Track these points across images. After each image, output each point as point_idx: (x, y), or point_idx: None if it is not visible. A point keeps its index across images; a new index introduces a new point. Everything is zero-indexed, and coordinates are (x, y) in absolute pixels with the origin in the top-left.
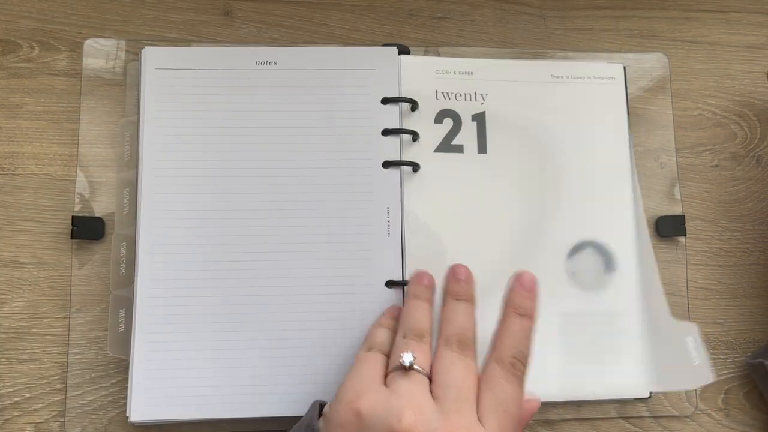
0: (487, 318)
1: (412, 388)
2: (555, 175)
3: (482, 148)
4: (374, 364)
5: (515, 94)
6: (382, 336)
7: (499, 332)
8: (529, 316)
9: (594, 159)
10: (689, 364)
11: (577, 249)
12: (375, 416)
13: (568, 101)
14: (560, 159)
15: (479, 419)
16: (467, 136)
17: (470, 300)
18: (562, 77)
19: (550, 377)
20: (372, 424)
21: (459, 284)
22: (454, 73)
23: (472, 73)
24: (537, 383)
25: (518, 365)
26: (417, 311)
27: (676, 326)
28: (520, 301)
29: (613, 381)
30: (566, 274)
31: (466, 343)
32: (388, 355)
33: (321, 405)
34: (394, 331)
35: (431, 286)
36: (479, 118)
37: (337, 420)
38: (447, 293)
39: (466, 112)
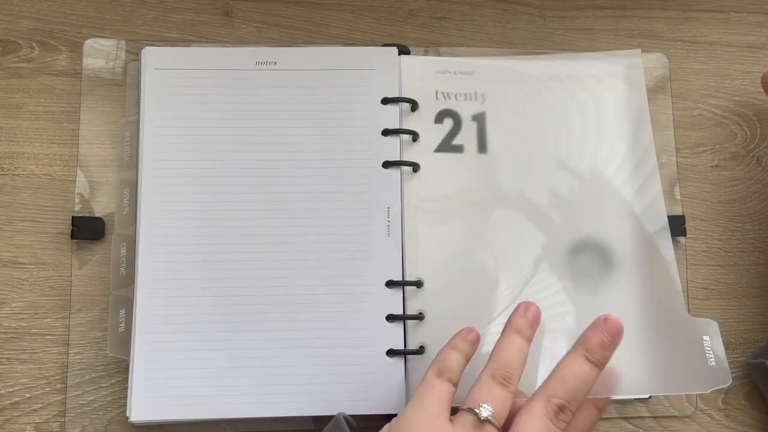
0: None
1: None
2: (555, 175)
3: (482, 148)
4: (442, 395)
5: (515, 94)
6: (455, 362)
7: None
8: (525, 337)
9: (594, 158)
10: (704, 364)
11: (577, 248)
12: None
13: (569, 100)
14: (560, 159)
15: None
16: (467, 136)
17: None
18: (562, 77)
19: None
20: None
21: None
22: (455, 73)
23: (472, 73)
24: (536, 383)
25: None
26: (513, 346)
27: (693, 324)
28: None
29: None
30: (567, 274)
31: (565, 410)
32: (456, 384)
33: (345, 418)
34: (467, 358)
35: (534, 324)
36: (479, 118)
37: None
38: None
39: (466, 112)
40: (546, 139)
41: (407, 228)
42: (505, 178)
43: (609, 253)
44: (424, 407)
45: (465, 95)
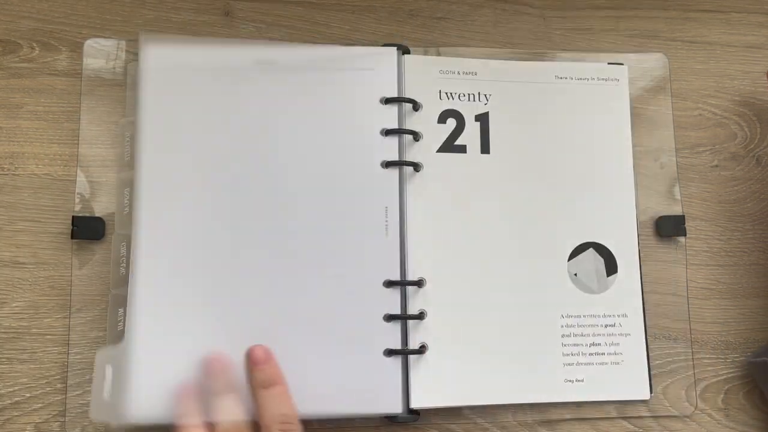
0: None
1: None
2: (557, 177)
3: (485, 148)
4: None
5: (519, 94)
6: None
7: (258, 409)
8: (276, 383)
9: (596, 160)
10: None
11: (578, 250)
12: None
13: (572, 102)
14: (563, 160)
15: None
16: (470, 136)
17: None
18: (565, 78)
19: (550, 377)
20: None
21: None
22: (458, 73)
23: (475, 74)
24: (536, 384)
25: (291, 425)
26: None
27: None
28: (261, 376)
29: (614, 382)
30: (568, 276)
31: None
32: None
33: None
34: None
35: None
36: (482, 119)
37: None
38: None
39: (469, 113)
40: (548, 140)
41: (409, 227)
42: (507, 178)
43: (606, 256)
44: None
45: (468, 95)
